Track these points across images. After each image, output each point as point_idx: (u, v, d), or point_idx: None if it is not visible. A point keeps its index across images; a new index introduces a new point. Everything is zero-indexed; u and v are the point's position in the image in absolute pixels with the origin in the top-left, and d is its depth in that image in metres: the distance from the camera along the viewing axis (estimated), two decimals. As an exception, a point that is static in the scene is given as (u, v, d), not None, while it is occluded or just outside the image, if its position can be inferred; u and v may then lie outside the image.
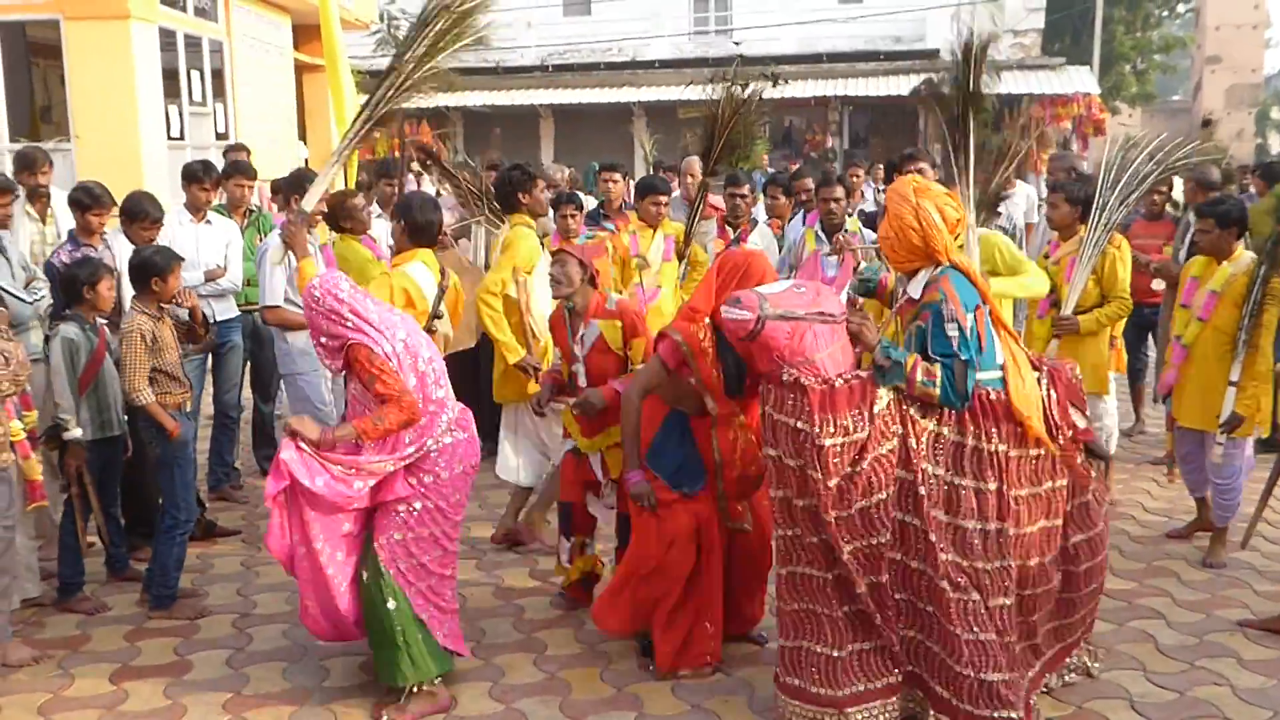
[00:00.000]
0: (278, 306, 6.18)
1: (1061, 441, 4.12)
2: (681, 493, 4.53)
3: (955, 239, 4.16)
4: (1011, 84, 25.41)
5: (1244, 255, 5.66)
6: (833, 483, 3.86)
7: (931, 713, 4.03)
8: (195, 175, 6.90)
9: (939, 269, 4.09)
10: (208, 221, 6.92)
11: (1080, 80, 25.91)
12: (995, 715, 3.89)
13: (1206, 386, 5.66)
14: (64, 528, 5.32)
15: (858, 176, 8.78)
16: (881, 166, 8.74)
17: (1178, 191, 8.27)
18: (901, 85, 25.81)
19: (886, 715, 4.05)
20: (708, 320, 4.49)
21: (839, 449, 3.86)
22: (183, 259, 5.50)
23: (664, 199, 7.03)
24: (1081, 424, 4.23)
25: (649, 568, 4.54)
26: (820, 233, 6.93)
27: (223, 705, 4.45)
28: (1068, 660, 4.47)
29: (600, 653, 4.84)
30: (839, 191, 6.89)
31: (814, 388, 3.88)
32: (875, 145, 26.42)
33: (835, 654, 4.02)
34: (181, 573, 5.42)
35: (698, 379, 4.46)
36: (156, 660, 4.86)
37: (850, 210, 8.31)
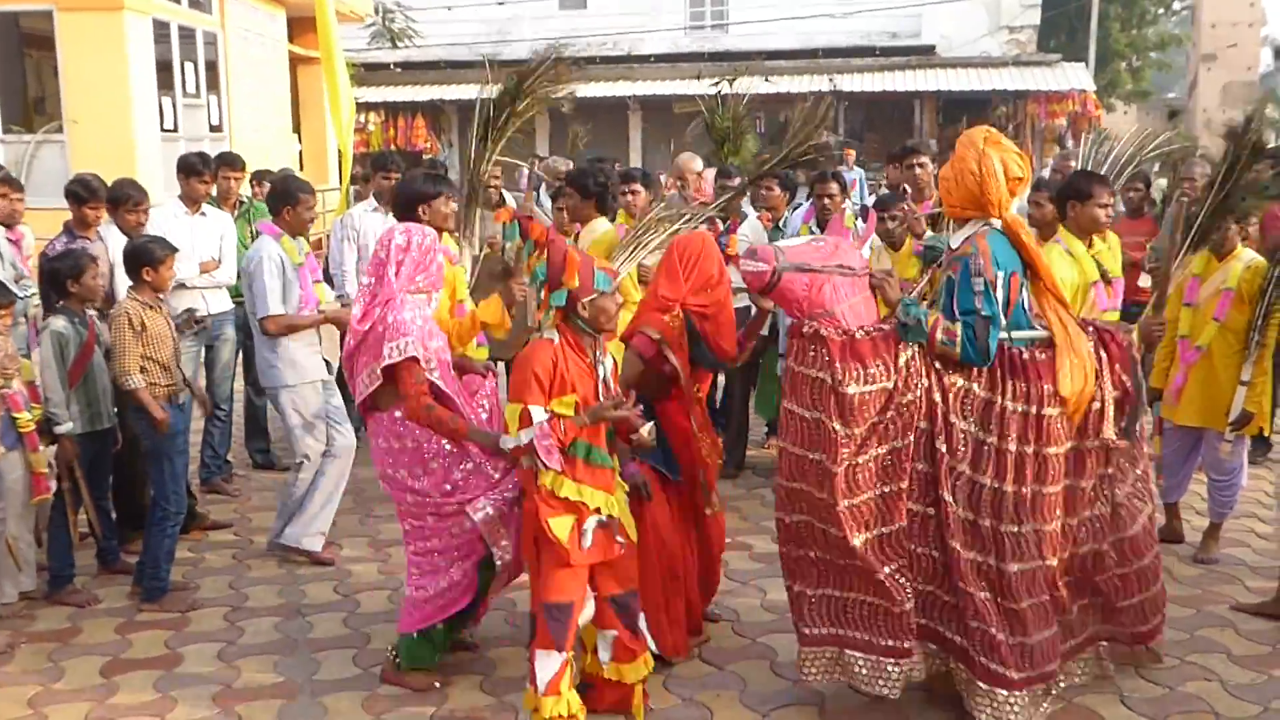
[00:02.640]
0: (280, 314, 5.68)
1: (1107, 402, 4.11)
2: (673, 481, 4.61)
3: (1013, 197, 4.13)
4: (1007, 80, 25.47)
5: (1244, 250, 5.66)
6: (856, 431, 3.90)
7: (953, 662, 4.05)
8: (194, 168, 6.84)
9: (982, 225, 4.09)
10: (202, 214, 6.90)
11: (1076, 77, 25.90)
12: (1004, 673, 3.91)
13: (1209, 384, 5.66)
14: (54, 520, 5.31)
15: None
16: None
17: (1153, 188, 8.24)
18: (898, 81, 25.82)
19: (888, 674, 4.06)
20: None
21: (866, 397, 3.91)
22: (177, 250, 5.47)
23: (637, 187, 7.03)
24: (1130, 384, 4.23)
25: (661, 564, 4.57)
26: (814, 228, 6.93)
27: (213, 698, 4.44)
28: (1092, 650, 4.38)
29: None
30: (833, 187, 6.91)
31: (834, 338, 3.94)
32: (871, 140, 26.40)
33: (834, 594, 4.09)
34: (172, 565, 5.41)
35: (676, 369, 4.53)
36: (147, 653, 4.85)
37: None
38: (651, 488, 4.50)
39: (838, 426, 3.90)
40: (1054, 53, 28.42)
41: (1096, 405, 4.07)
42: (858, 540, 3.94)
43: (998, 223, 4.09)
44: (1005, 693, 3.92)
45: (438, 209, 5.05)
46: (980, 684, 3.95)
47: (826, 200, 6.86)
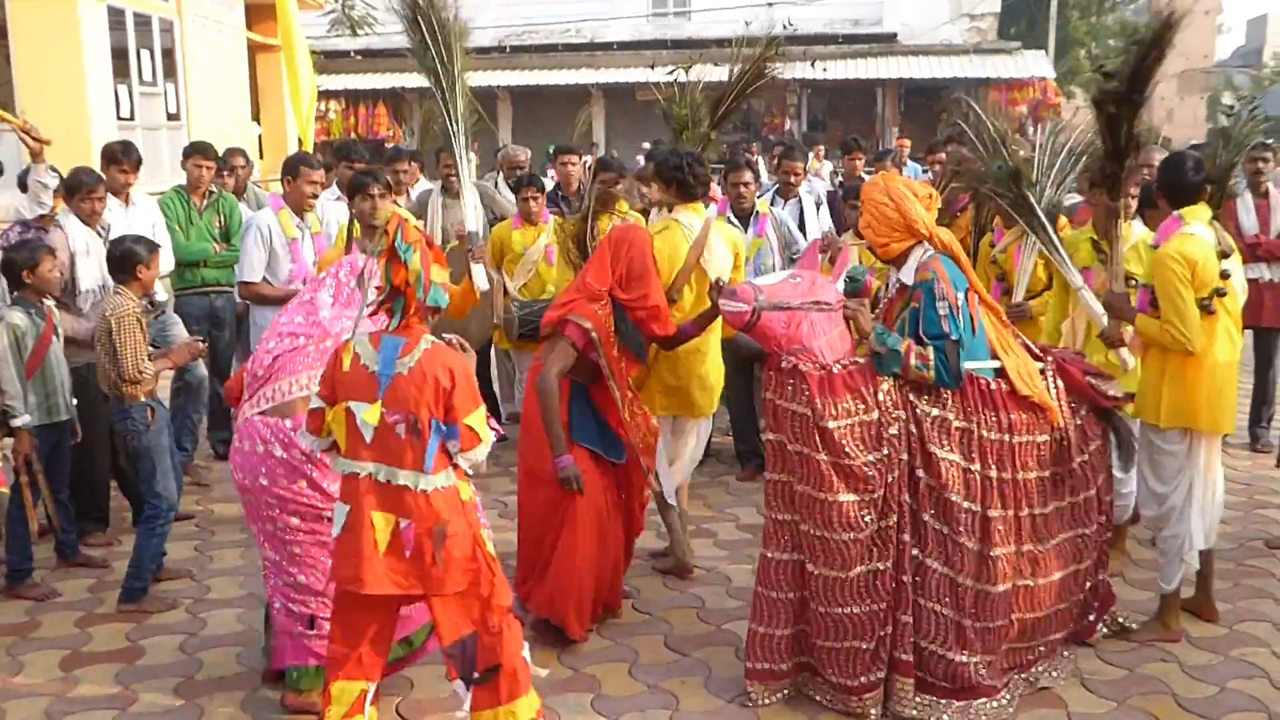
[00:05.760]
0: (254, 282, 6.12)
1: (1074, 425, 4.25)
2: (611, 462, 4.75)
3: (929, 213, 4.24)
4: (968, 68, 25.60)
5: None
6: (847, 463, 3.94)
7: (898, 678, 4.08)
8: (114, 156, 6.58)
9: (928, 252, 4.17)
10: (133, 203, 6.78)
11: (1036, 65, 26.09)
12: (958, 690, 4.01)
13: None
14: (12, 514, 5.22)
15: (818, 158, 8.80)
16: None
17: None
18: (859, 68, 25.89)
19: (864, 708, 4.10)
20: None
21: (843, 431, 3.96)
22: (159, 246, 5.46)
23: (612, 177, 7.04)
24: (1113, 391, 4.41)
25: (588, 556, 4.66)
26: (732, 219, 6.91)
27: (174, 690, 4.41)
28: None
29: (557, 637, 4.84)
30: (747, 176, 6.95)
31: (812, 373, 4.00)
32: (833, 128, 26.46)
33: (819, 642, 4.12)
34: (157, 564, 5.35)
35: (604, 363, 4.64)
36: (108, 646, 4.81)
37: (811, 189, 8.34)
38: (583, 481, 4.57)
39: (822, 458, 3.95)
40: (1014, 40, 28.59)
41: (1057, 435, 4.20)
42: (854, 572, 3.99)
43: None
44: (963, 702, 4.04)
45: (358, 205, 5.36)
46: (952, 700, 4.04)
47: (741, 189, 6.88)
